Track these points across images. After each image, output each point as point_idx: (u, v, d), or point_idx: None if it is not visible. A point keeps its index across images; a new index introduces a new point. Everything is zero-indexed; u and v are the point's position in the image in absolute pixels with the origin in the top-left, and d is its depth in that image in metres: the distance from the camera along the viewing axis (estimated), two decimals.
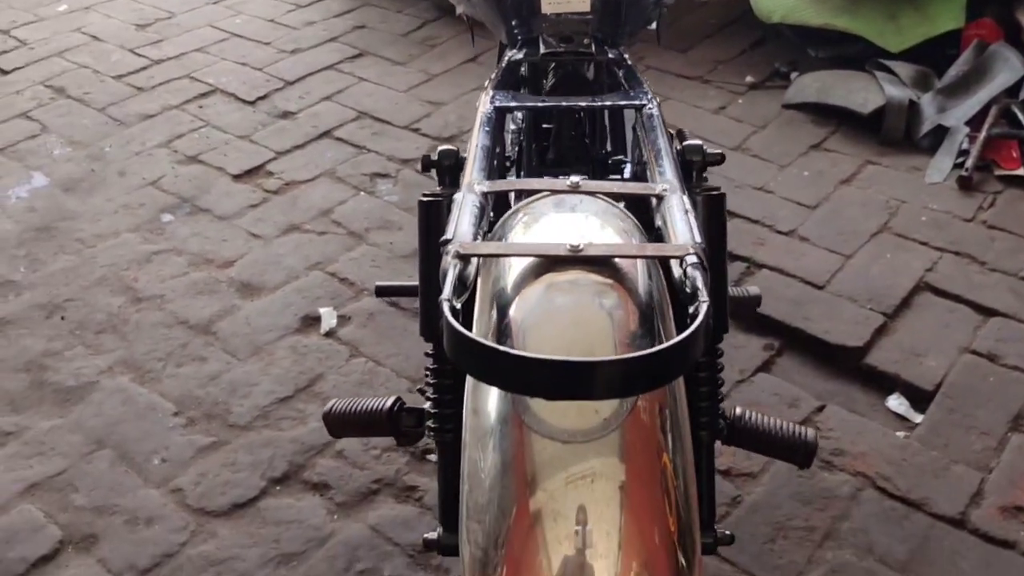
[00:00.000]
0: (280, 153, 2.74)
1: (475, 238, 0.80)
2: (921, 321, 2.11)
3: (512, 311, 0.74)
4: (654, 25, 1.43)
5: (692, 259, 0.72)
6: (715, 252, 1.11)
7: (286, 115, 2.93)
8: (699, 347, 0.67)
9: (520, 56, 1.29)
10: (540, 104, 1.13)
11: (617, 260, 0.74)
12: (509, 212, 0.89)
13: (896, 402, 1.95)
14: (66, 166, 2.71)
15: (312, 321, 2.13)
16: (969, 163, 2.52)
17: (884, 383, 1.98)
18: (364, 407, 1.20)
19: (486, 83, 1.23)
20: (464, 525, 0.75)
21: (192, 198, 2.56)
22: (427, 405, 1.06)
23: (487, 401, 0.76)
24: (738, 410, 1.15)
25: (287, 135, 2.83)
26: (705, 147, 1.08)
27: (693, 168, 1.08)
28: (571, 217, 0.83)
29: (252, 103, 3.01)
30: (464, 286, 0.74)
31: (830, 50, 3.05)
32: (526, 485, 0.70)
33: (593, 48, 1.26)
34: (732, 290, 1.61)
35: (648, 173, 0.95)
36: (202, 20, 3.56)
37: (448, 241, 0.78)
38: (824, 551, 1.63)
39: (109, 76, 3.18)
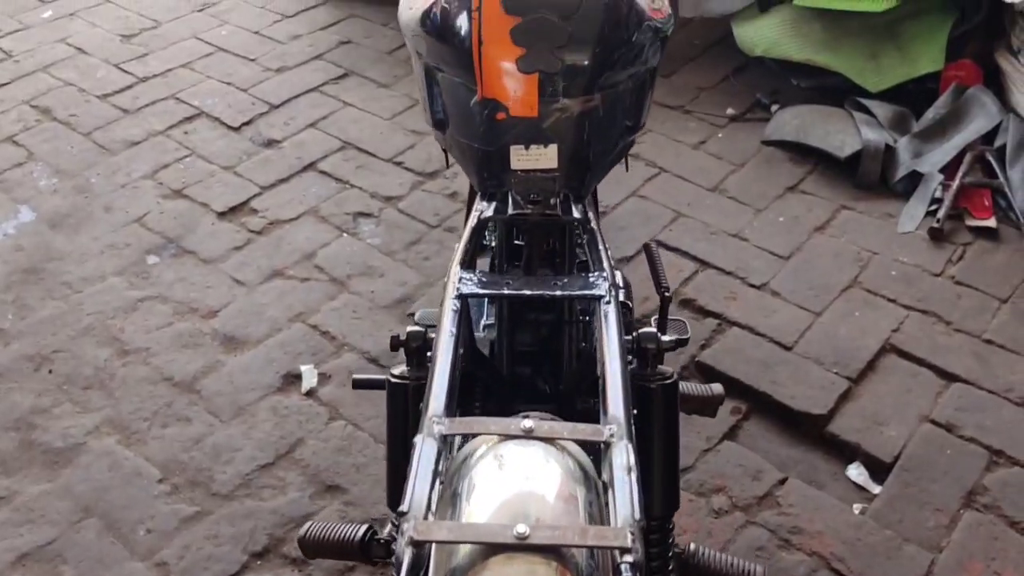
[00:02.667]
0: (264, 188, 2.78)
1: (430, 505, 0.86)
2: (885, 385, 2.18)
3: None
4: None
5: (629, 557, 0.78)
6: (668, 440, 1.17)
7: (271, 143, 2.96)
8: None
9: (490, 212, 1.33)
10: (504, 292, 1.18)
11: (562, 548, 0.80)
12: (463, 455, 0.94)
13: (856, 472, 2.03)
14: (52, 199, 2.74)
15: (293, 379, 2.20)
16: (941, 213, 2.57)
17: (846, 452, 2.05)
18: (337, 535, 1.26)
19: (455, 250, 1.28)
20: None
21: (177, 238, 2.60)
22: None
23: None
24: (692, 546, 1.22)
25: (272, 167, 2.86)
26: (660, 336, 1.13)
27: (648, 356, 1.14)
28: (522, 478, 0.88)
29: (237, 129, 3.03)
30: (417, 570, 0.80)
31: (812, 80, 3.07)
32: None
33: (560, 209, 1.30)
34: (694, 387, 1.67)
35: (600, 397, 1.00)
36: (187, 31, 3.56)
37: (403, 514, 0.84)
38: None
39: (94, 95, 3.19)
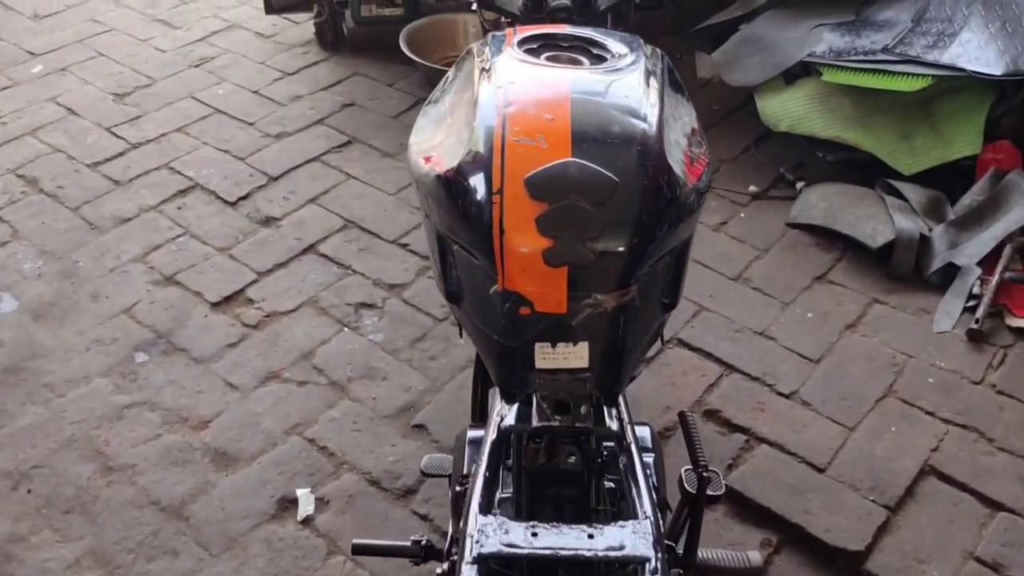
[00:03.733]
0: (261, 274, 2.62)
1: None
2: (925, 516, 2.02)
3: None
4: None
5: None
6: None
7: (269, 221, 2.81)
8: None
9: (511, 420, 1.18)
10: (531, 551, 1.02)
11: None
12: None
13: None
14: (37, 285, 2.59)
15: (288, 504, 2.04)
16: (979, 312, 2.42)
17: None
18: None
19: (471, 493, 1.11)
20: None
21: (168, 332, 2.45)
22: None
23: None
24: None
25: (269, 249, 2.70)
26: None
27: None
28: None
29: (234, 204, 2.88)
30: None
31: (839, 153, 2.91)
32: None
33: (592, 418, 1.15)
34: (727, 556, 1.51)
35: None
36: (183, 89, 3.41)
37: None
38: None
39: (84, 164, 3.04)
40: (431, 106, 1.46)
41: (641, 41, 1.39)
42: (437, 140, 1.35)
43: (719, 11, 3.17)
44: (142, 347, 2.41)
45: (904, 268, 2.58)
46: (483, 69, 1.28)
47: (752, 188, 2.92)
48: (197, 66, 3.55)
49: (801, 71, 2.91)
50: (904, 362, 2.37)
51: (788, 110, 2.86)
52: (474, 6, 1.61)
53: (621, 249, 1.09)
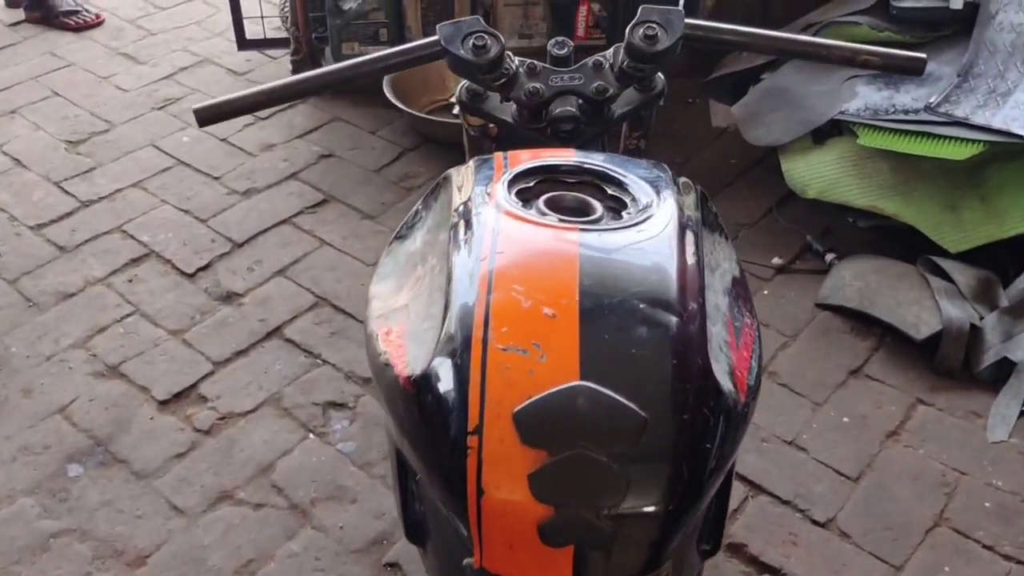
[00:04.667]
0: (218, 364, 2.30)
1: None
2: None
3: None
4: None
5: None
6: None
7: (230, 298, 2.48)
8: None
9: None
10: None
11: None
12: None
13: None
14: None
15: None
16: None
17: None
18: None
19: None
20: None
21: (107, 439, 2.12)
22: None
23: None
24: None
25: (229, 333, 2.38)
26: None
27: None
28: None
29: (192, 276, 2.55)
30: None
31: (872, 220, 2.58)
32: None
33: None
34: None
35: None
36: (144, 136, 3.08)
37: None
38: None
39: (27, 226, 2.71)
40: (399, 244, 1.15)
41: (669, 173, 1.07)
42: (401, 301, 1.03)
43: (739, 56, 2.84)
44: (77, 457, 2.09)
45: (952, 363, 2.26)
46: (462, 222, 0.96)
47: (776, 260, 2.59)
48: (161, 108, 3.22)
49: (832, 128, 2.58)
50: (956, 481, 2.05)
51: (818, 174, 2.53)
52: (455, 110, 1.29)
53: (652, 520, 0.77)
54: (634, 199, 0.99)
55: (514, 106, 1.22)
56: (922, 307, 2.31)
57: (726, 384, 0.84)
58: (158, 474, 2.06)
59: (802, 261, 2.61)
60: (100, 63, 3.49)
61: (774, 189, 2.78)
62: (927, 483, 2.04)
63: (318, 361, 2.31)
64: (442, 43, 1.17)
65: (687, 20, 1.17)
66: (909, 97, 2.48)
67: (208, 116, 1.15)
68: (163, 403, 2.21)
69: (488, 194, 0.99)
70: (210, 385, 2.25)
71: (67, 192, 2.84)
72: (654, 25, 1.15)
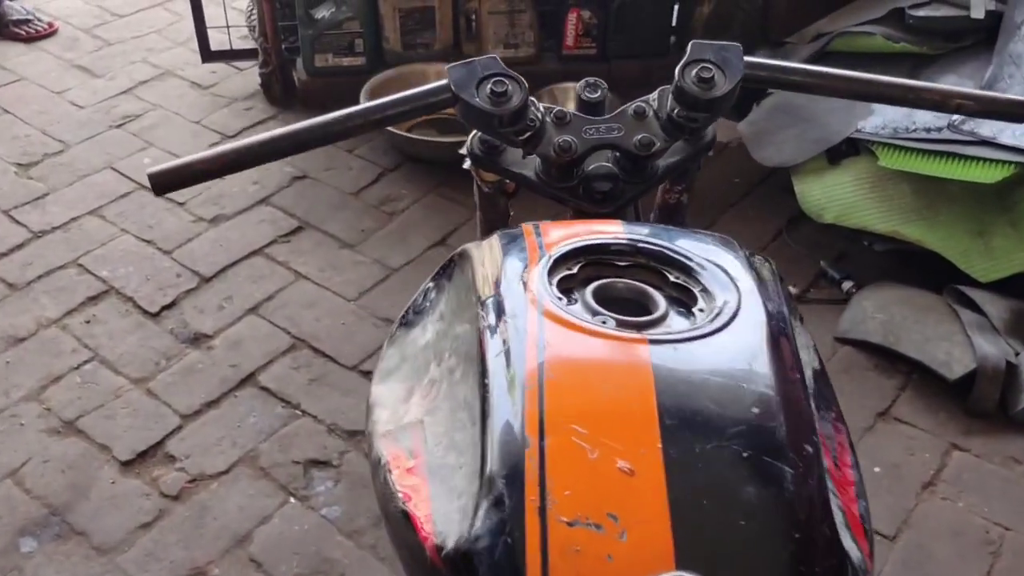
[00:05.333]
0: (186, 417, 2.08)
1: None
2: None
3: None
4: None
5: None
6: None
7: (198, 340, 2.26)
8: None
9: None
10: None
11: None
12: None
13: None
14: None
15: None
16: None
17: None
18: None
19: None
20: None
21: (64, 507, 1.90)
22: None
23: None
24: None
25: (197, 381, 2.16)
26: None
27: None
28: None
29: (156, 315, 2.33)
30: None
31: (889, 243, 2.41)
32: None
33: None
34: None
35: None
36: (101, 158, 2.84)
37: None
38: None
39: None
40: (405, 332, 0.94)
41: (740, 249, 0.88)
42: (413, 413, 0.83)
43: None
44: (30, 529, 1.87)
45: (987, 403, 2.09)
46: (493, 323, 0.76)
47: (791, 288, 2.41)
48: (120, 126, 2.99)
49: (848, 148, 2.40)
50: (1000, 538, 1.88)
51: (834, 197, 2.36)
52: (467, 164, 1.09)
53: None
54: (705, 289, 0.80)
55: (538, 160, 1.02)
56: (953, 343, 2.14)
57: (853, 552, 0.65)
58: (121, 548, 1.84)
59: (817, 290, 2.43)
60: (53, 76, 3.24)
61: (783, 209, 2.60)
62: (970, 541, 1.87)
63: (297, 412, 2.10)
64: (453, 89, 0.97)
65: (746, 59, 0.98)
66: (931, 115, 2.31)
67: (166, 182, 0.94)
68: (126, 464, 1.99)
69: (523, 283, 0.79)
70: (178, 442, 2.03)
71: (17, 221, 2.60)
72: (710, 66, 0.96)
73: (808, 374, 0.85)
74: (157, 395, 2.13)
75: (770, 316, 0.76)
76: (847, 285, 2.39)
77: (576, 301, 0.79)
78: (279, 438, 2.04)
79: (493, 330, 0.75)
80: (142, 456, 2.01)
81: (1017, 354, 2.12)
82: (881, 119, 2.34)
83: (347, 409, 2.10)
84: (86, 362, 2.21)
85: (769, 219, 2.62)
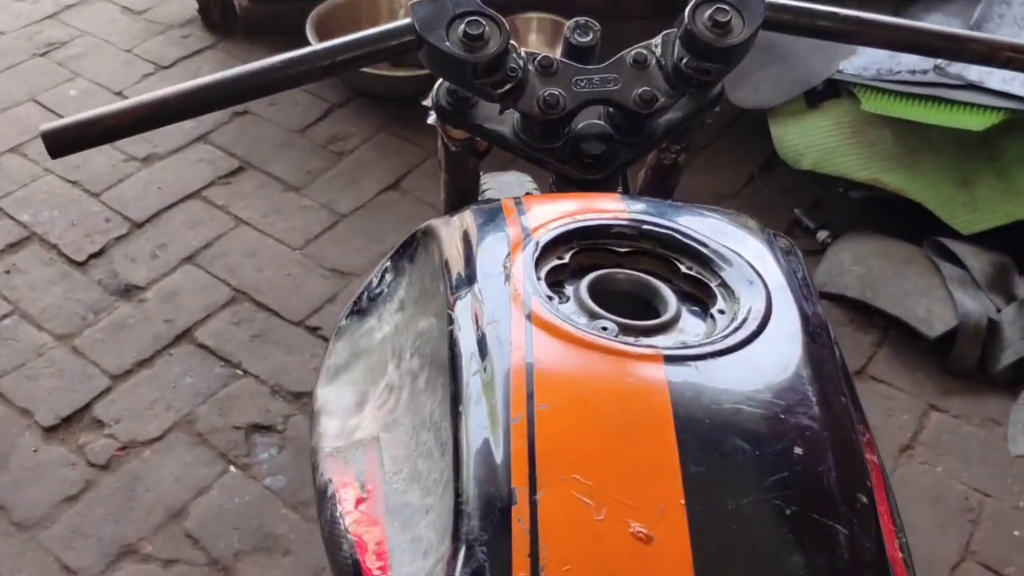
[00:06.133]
0: (116, 378, 1.92)
1: None
2: None
3: None
4: None
5: None
6: None
7: (129, 292, 2.09)
8: None
9: None
10: None
11: None
12: None
13: None
14: None
15: None
16: None
17: None
18: None
19: None
20: None
21: None
22: None
23: None
24: None
25: (128, 337, 1.99)
26: None
27: None
28: None
29: (82, 264, 2.14)
30: None
31: (866, 190, 2.29)
32: None
33: None
34: None
35: None
36: (22, 88, 2.61)
37: None
38: None
39: None
40: (357, 323, 0.80)
41: (760, 229, 0.74)
42: (367, 427, 0.69)
43: None
44: None
45: (967, 362, 2.00)
46: (467, 329, 0.61)
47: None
48: (44, 54, 2.75)
49: (828, 90, 2.27)
50: (980, 505, 1.80)
51: (812, 141, 2.22)
52: (431, 119, 0.93)
53: None
54: (724, 284, 0.66)
55: (517, 116, 0.87)
56: (933, 298, 2.04)
57: None
58: (44, 524, 1.69)
59: (791, 239, 2.30)
60: None
61: (756, 154, 2.47)
62: (949, 509, 1.79)
63: (237, 372, 1.95)
64: (417, 30, 0.80)
65: (767, 0, 0.83)
66: (916, 56, 2.17)
67: (65, 142, 0.77)
68: (49, 430, 1.83)
69: (505, 275, 0.65)
70: (107, 406, 1.87)
71: None
72: (726, 7, 0.81)
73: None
74: (84, 353, 1.96)
75: (807, 321, 0.63)
76: (822, 235, 2.27)
77: (568, 298, 0.65)
78: (218, 401, 1.89)
79: (468, 337, 0.61)
80: (67, 421, 1.84)
81: (999, 310, 2.03)
82: (864, 60, 2.20)
83: (292, 368, 1.95)
84: (5, 316, 2.03)
85: (742, 163, 2.48)
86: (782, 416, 0.56)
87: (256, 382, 1.93)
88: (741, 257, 0.69)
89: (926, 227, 2.16)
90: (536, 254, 0.66)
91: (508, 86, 0.81)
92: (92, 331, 2.01)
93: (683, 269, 0.69)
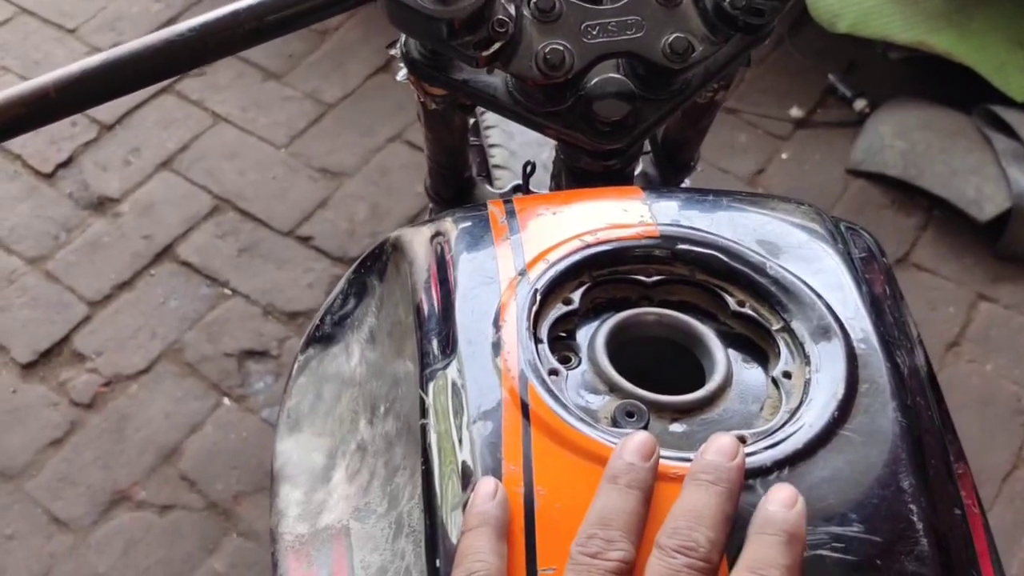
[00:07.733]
0: (94, 304, 1.77)
1: None
2: None
3: None
4: None
5: None
6: None
7: (102, 205, 1.92)
8: None
9: None
10: None
11: None
12: None
13: None
14: None
15: None
16: None
17: None
18: None
19: None
20: None
21: None
22: None
23: None
24: None
25: (104, 258, 1.84)
26: None
27: None
28: None
29: (49, 176, 1.97)
30: None
31: (906, 50, 2.06)
32: None
33: None
34: None
35: None
36: None
37: None
38: None
39: None
40: (320, 353, 0.64)
41: (829, 236, 0.57)
42: (336, 506, 0.58)
43: None
44: None
45: (1020, 247, 1.83)
46: (438, 427, 0.46)
47: (795, 111, 2.08)
48: None
49: None
50: None
51: (850, 1, 1.98)
52: (400, 75, 0.74)
53: None
54: (786, 328, 0.50)
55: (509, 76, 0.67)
56: (984, 176, 1.84)
57: None
58: (30, 472, 1.58)
59: (825, 110, 2.09)
60: None
61: (785, 13, 2.21)
62: (999, 412, 1.66)
63: (225, 291, 1.80)
64: None
65: None
66: None
67: None
68: (27, 367, 1.70)
69: (493, 346, 0.48)
70: (86, 336, 1.73)
71: None
72: None
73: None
74: (58, 278, 1.81)
75: (902, 395, 0.47)
76: (860, 104, 2.06)
77: (580, 360, 0.49)
78: (206, 325, 1.75)
79: (446, 445, 0.45)
80: (46, 356, 1.71)
81: None
82: None
83: (285, 285, 1.80)
84: None
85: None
86: (879, 562, 0.41)
87: (246, 302, 1.78)
88: (811, 290, 0.52)
89: (977, 94, 1.94)
90: (535, 307, 0.49)
91: (497, 45, 0.61)
92: (65, 252, 1.85)
93: (732, 305, 0.53)
